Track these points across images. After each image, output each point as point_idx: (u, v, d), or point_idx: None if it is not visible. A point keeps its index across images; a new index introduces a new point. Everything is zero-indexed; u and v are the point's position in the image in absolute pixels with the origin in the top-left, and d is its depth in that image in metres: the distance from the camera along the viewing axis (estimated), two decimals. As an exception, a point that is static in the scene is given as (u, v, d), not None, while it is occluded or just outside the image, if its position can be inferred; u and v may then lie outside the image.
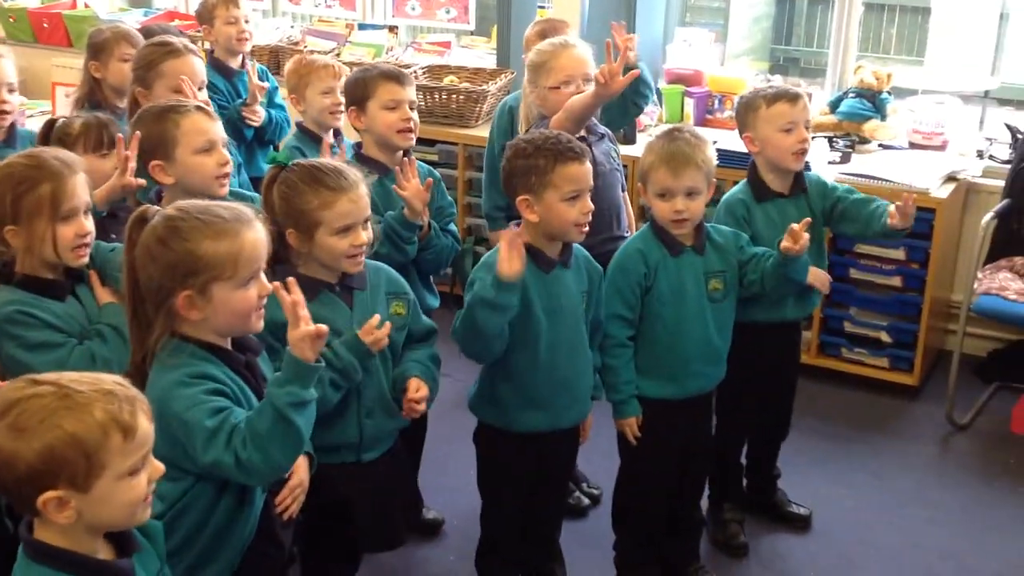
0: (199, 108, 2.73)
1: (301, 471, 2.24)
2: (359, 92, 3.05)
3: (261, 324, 2.08)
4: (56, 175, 2.30)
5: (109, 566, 1.65)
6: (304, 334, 1.94)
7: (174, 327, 2.03)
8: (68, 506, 1.54)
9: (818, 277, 3.09)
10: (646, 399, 2.88)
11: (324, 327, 1.97)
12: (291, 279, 1.99)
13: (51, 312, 2.33)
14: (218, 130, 2.72)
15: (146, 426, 1.60)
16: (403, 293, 2.58)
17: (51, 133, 2.85)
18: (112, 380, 1.60)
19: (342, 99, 3.25)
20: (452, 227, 3.16)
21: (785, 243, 2.84)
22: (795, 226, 2.83)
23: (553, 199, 2.56)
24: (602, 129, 3.36)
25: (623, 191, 3.42)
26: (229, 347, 2.08)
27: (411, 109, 3.06)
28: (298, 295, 1.97)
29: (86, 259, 2.39)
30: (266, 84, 3.93)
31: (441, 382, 2.62)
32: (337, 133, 3.59)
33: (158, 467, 1.63)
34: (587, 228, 2.63)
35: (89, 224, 2.37)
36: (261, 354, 2.17)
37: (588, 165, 2.62)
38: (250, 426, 1.95)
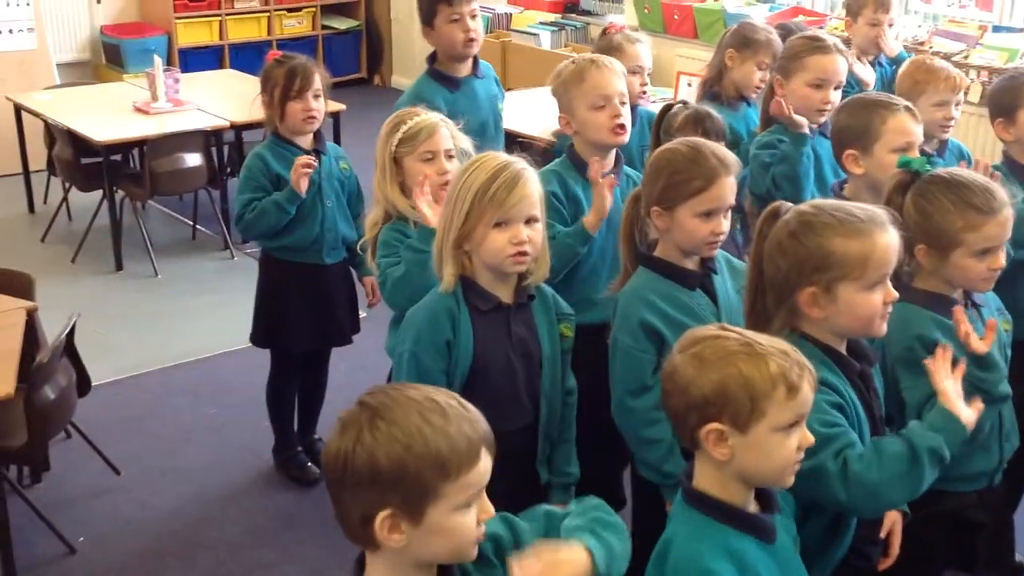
0: (907, 108, 2.68)
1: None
2: (1007, 101, 2.91)
3: (884, 328, 2.00)
4: (711, 173, 2.30)
5: (756, 519, 1.71)
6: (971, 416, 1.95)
7: (794, 323, 2.02)
8: (725, 442, 1.65)
9: None
10: None
11: None
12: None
13: (678, 302, 2.34)
14: (919, 133, 2.66)
15: (807, 392, 1.66)
16: None
17: (663, 120, 3.00)
18: (787, 344, 1.71)
19: (955, 113, 3.06)
20: None
21: None
22: None
23: None
24: None
25: None
26: (845, 352, 2.03)
27: None
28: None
29: (715, 252, 2.39)
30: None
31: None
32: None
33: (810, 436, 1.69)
34: None
35: (726, 224, 2.33)
36: (875, 365, 2.10)
37: None
38: (878, 445, 1.92)
